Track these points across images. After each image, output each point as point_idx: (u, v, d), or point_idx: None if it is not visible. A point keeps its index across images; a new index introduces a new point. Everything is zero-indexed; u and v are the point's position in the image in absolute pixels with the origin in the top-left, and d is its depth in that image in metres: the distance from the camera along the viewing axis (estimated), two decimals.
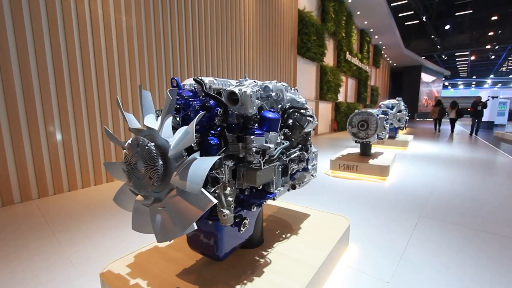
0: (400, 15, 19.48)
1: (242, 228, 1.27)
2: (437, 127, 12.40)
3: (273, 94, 1.39)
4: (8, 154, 3.08)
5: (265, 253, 1.55)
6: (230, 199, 1.14)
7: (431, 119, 15.18)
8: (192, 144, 1.07)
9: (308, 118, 1.62)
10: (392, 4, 15.62)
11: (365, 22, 14.51)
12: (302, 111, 1.62)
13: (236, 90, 1.11)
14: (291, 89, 1.66)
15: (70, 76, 3.53)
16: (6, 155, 3.05)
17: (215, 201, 0.92)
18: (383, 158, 4.64)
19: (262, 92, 1.33)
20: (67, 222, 2.59)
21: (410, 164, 5.16)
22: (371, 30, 15.77)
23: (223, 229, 1.25)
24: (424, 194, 3.38)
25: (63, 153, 3.53)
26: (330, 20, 10.65)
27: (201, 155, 1.04)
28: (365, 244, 2.13)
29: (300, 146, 1.69)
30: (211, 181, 1.10)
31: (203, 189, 0.92)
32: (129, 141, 1.03)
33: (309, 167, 1.85)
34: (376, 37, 16.98)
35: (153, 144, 0.97)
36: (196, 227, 0.96)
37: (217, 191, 1.11)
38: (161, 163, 0.96)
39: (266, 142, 1.23)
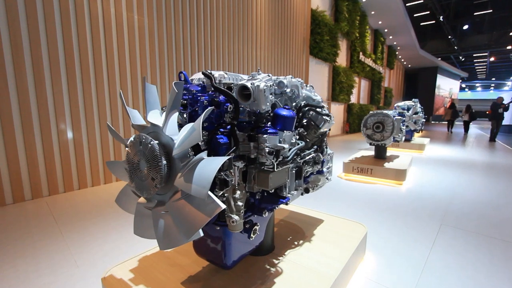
0: (415, 15, 18.99)
1: (252, 235, 1.17)
2: (450, 128, 13.35)
3: (288, 90, 1.29)
4: (20, 152, 3.09)
5: (276, 262, 1.44)
6: (239, 203, 1.04)
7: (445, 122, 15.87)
8: (199, 143, 0.98)
9: (324, 117, 1.50)
10: (407, 4, 15.22)
11: (380, 22, 14.18)
12: (318, 109, 1.51)
13: (248, 84, 1.02)
14: (306, 86, 1.55)
15: (82, 74, 3.53)
16: (18, 152, 3.06)
17: (223, 206, 0.83)
18: (399, 161, 4.44)
19: (276, 87, 1.23)
20: (75, 221, 2.56)
21: (428, 169, 4.93)
22: (386, 30, 15.41)
23: (231, 235, 1.15)
24: (445, 200, 3.19)
25: (74, 151, 3.53)
26: (344, 20, 10.43)
27: (209, 155, 0.95)
28: (383, 253, 1.99)
29: (315, 147, 1.58)
30: (219, 183, 1.00)
31: (210, 193, 0.83)
32: (132, 138, 0.95)
33: (324, 169, 1.74)
34: (391, 37, 16.57)
35: (157, 142, 0.89)
36: (202, 234, 0.87)
37: (225, 194, 1.02)
38: (165, 163, 0.87)
39: (280, 142, 1.13)
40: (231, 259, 1.22)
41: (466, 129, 12.65)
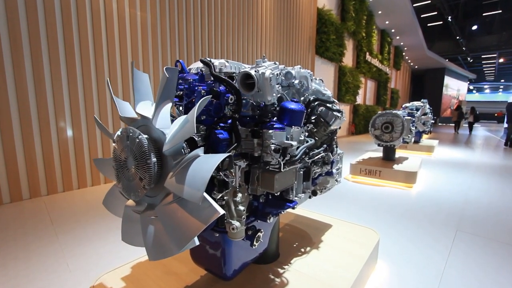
0: (423, 16, 18.70)
1: (255, 243, 1.04)
2: (457, 128, 14.33)
3: (296, 82, 1.16)
4: (18, 149, 3.01)
5: (281, 271, 1.31)
6: (241, 207, 0.92)
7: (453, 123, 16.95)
8: (196, 139, 0.86)
9: (335, 113, 1.37)
10: (414, 5, 14.96)
11: (387, 22, 13.97)
12: (328, 104, 1.38)
13: (252, 72, 0.89)
14: (315, 79, 1.42)
15: (83, 71, 3.44)
16: (16, 149, 2.99)
17: (221, 211, 0.71)
18: (408, 163, 4.28)
19: (283, 78, 1.10)
20: (72, 222, 2.46)
21: (438, 171, 4.75)
22: (393, 30, 15.18)
23: (232, 243, 1.03)
24: (459, 204, 3.02)
25: (74, 149, 3.45)
26: (350, 19, 10.26)
27: (207, 153, 0.83)
28: (396, 261, 1.84)
29: (324, 146, 1.45)
30: (218, 185, 0.88)
31: (206, 195, 0.71)
32: (119, 132, 0.83)
33: (334, 170, 1.61)
34: (398, 37, 16.32)
35: (146, 136, 0.77)
36: (197, 244, 0.75)
37: (225, 197, 0.90)
38: (155, 161, 0.75)
39: (287, 139, 1.00)
40: (232, 268, 1.10)
41: (470, 129, 13.89)
